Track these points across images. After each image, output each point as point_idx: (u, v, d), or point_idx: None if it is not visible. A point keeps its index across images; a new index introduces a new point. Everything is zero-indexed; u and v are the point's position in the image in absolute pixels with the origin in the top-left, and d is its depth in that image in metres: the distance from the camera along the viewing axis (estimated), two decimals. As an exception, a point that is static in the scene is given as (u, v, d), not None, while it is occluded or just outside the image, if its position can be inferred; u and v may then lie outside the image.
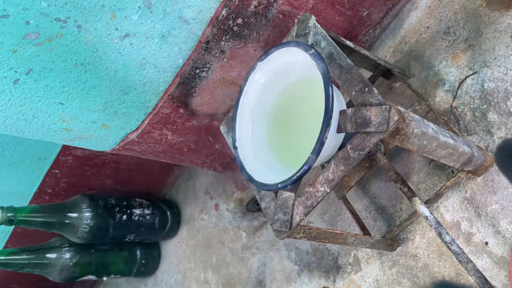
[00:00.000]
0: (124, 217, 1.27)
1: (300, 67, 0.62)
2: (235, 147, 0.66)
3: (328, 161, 0.56)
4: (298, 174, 0.54)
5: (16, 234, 1.35)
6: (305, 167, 0.53)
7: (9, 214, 1.07)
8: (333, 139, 0.55)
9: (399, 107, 0.52)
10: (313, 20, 0.63)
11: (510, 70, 0.72)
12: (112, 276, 1.39)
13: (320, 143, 0.52)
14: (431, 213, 0.64)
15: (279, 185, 0.57)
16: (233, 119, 0.68)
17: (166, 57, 0.75)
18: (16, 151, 1.12)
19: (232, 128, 0.68)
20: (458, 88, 0.79)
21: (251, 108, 0.68)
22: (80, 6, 0.61)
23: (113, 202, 1.27)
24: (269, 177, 0.60)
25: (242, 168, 0.64)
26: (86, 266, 1.27)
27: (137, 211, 1.31)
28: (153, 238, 1.42)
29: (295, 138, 0.66)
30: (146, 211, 1.34)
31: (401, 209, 0.82)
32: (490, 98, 0.74)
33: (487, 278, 0.59)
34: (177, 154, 1.02)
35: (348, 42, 0.70)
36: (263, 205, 0.64)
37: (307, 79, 0.64)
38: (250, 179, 0.61)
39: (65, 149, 1.16)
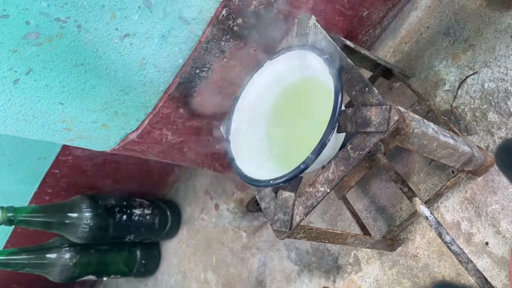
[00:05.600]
0: (124, 217, 1.27)
1: (304, 69, 0.62)
2: (228, 141, 0.66)
3: (328, 161, 0.56)
4: (293, 173, 0.54)
5: (16, 234, 1.35)
6: (302, 166, 0.53)
7: (9, 214, 1.06)
8: (333, 140, 0.55)
9: (399, 107, 0.52)
10: (313, 20, 0.63)
11: (511, 70, 0.72)
12: (112, 276, 1.38)
13: (322, 144, 0.52)
14: (431, 213, 0.64)
15: (271, 181, 0.56)
16: (231, 114, 0.67)
17: (166, 57, 0.75)
18: (16, 151, 1.11)
19: (227, 122, 0.68)
20: (458, 88, 0.79)
21: (250, 106, 0.68)
22: (80, 6, 0.61)
23: (113, 202, 1.26)
24: (261, 174, 0.60)
25: (231, 160, 0.63)
26: (86, 266, 1.27)
27: (137, 211, 1.31)
28: (153, 238, 1.42)
29: (293, 138, 0.66)
30: (146, 211, 1.34)
31: (401, 209, 0.82)
32: (490, 98, 0.74)
33: (488, 278, 0.59)
34: (177, 154, 1.02)
35: (348, 42, 0.70)
36: (263, 205, 0.64)
37: (309, 80, 0.64)
38: (247, 178, 0.61)
39: (65, 149, 1.16)
